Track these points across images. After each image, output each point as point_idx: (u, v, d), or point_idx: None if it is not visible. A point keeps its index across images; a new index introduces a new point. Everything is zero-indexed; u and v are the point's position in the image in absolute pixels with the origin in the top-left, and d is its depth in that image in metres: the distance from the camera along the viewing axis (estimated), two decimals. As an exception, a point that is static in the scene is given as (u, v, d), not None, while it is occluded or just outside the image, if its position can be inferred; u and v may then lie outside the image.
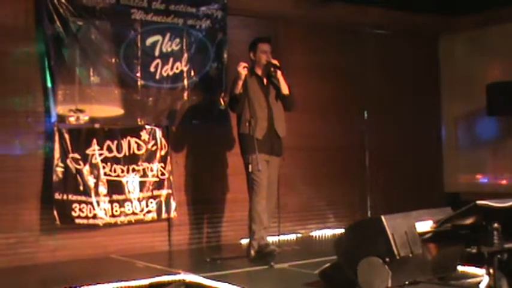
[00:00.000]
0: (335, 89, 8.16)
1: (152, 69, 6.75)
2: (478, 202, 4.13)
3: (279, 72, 6.11)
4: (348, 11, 8.16)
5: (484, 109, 8.24)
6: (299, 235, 7.61)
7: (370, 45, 8.60)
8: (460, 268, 4.77)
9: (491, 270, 4.10)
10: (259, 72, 6.19)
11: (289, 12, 7.75)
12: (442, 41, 9.36)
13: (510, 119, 8.12)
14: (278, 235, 6.60)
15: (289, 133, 6.40)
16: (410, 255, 4.22)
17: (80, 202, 6.18)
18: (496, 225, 4.10)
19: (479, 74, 8.64)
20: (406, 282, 4.32)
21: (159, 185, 6.68)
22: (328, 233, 7.73)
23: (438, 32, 9.27)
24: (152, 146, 6.67)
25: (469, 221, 4.33)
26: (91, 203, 6.24)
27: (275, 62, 6.11)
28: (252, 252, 5.94)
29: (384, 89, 8.59)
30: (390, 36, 8.79)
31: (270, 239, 6.26)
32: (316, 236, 7.73)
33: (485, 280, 4.23)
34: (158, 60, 6.78)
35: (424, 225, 4.43)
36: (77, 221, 6.17)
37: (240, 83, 6.01)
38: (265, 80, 6.18)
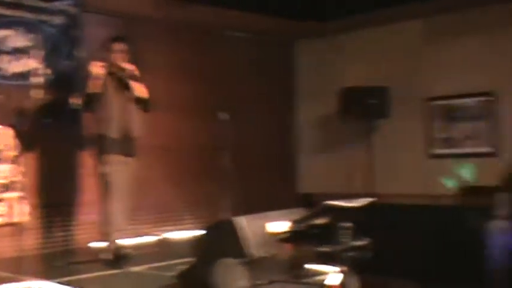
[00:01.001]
0: (196, 89, 8.16)
1: (1, 65, 6.46)
2: (327, 202, 4.29)
3: (130, 81, 5.97)
4: (208, 13, 8.17)
5: (337, 113, 8.54)
6: (156, 237, 7.53)
7: (230, 47, 8.67)
8: (312, 266, 4.90)
9: (341, 268, 4.26)
10: (114, 71, 6.06)
11: (148, 12, 7.64)
12: (298, 45, 9.61)
13: (362, 123, 8.45)
14: (134, 237, 6.51)
15: (150, 133, 6.32)
16: (266, 255, 4.29)
17: None
18: (346, 224, 4.27)
19: (333, 79, 8.94)
20: (262, 282, 4.38)
21: (9, 187, 6.38)
22: (186, 234, 7.71)
23: (295, 36, 9.52)
24: (2, 147, 6.35)
25: (322, 220, 4.48)
26: None
27: (128, 67, 5.97)
28: (107, 255, 5.81)
29: (244, 90, 8.69)
30: (249, 39, 8.92)
31: (126, 242, 6.15)
32: (174, 238, 7.68)
33: (337, 277, 4.38)
34: (8, 56, 6.50)
35: (279, 226, 4.52)
36: None
37: (95, 82, 5.87)
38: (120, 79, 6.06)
